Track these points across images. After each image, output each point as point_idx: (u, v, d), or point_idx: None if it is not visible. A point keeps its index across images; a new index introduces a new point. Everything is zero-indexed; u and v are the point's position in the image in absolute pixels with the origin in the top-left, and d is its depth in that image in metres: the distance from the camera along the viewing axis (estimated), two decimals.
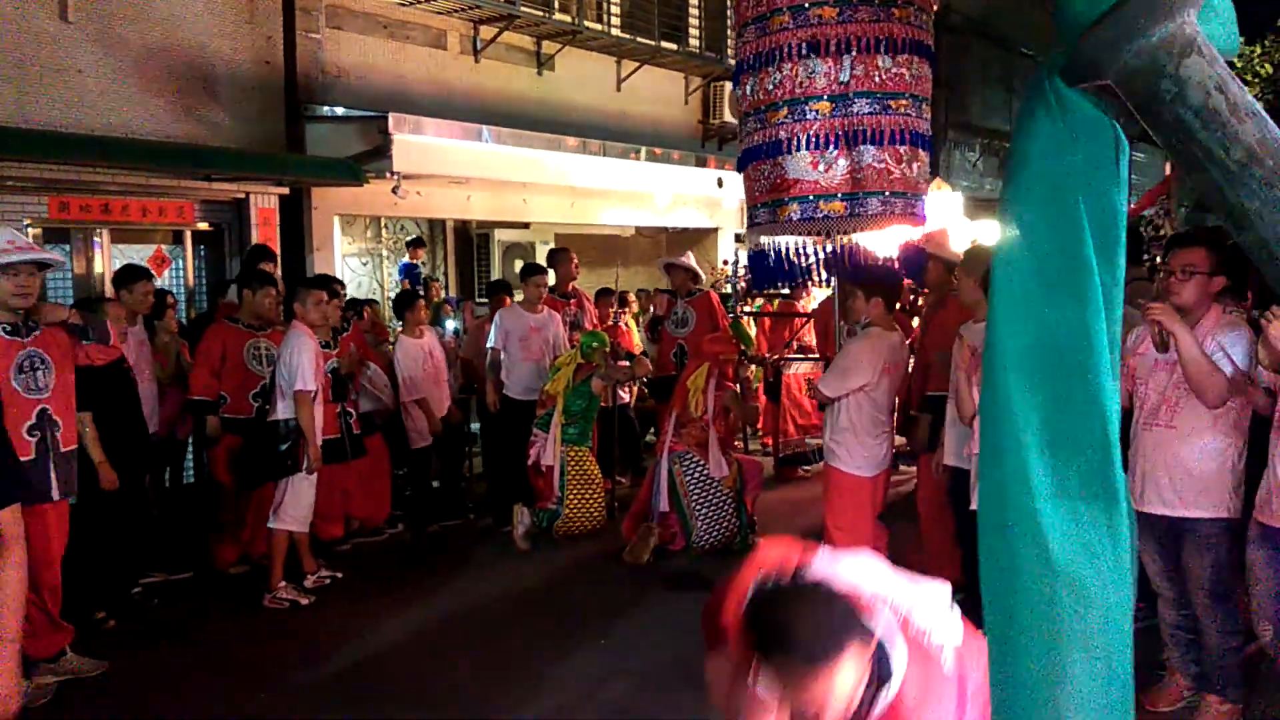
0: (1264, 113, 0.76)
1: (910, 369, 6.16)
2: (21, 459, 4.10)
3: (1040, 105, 0.96)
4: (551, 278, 8.10)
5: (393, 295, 10.47)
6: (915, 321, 7.16)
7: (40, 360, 4.34)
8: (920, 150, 4.64)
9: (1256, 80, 12.29)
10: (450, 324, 9.35)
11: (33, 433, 4.28)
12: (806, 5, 4.42)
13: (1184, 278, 3.76)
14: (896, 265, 4.97)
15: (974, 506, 4.42)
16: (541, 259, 10.73)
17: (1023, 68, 20.42)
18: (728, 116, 12.71)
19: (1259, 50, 12.22)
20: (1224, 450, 3.73)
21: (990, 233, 8.94)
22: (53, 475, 4.35)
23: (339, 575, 6.01)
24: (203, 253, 8.54)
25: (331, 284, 7.17)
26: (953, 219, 8.42)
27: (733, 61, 12.84)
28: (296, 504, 5.63)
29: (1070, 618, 1.00)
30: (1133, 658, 1.08)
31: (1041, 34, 20.87)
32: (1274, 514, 3.47)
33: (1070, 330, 0.95)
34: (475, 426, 8.63)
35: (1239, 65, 12.41)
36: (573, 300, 8.18)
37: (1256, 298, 4.82)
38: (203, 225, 8.27)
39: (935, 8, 4.74)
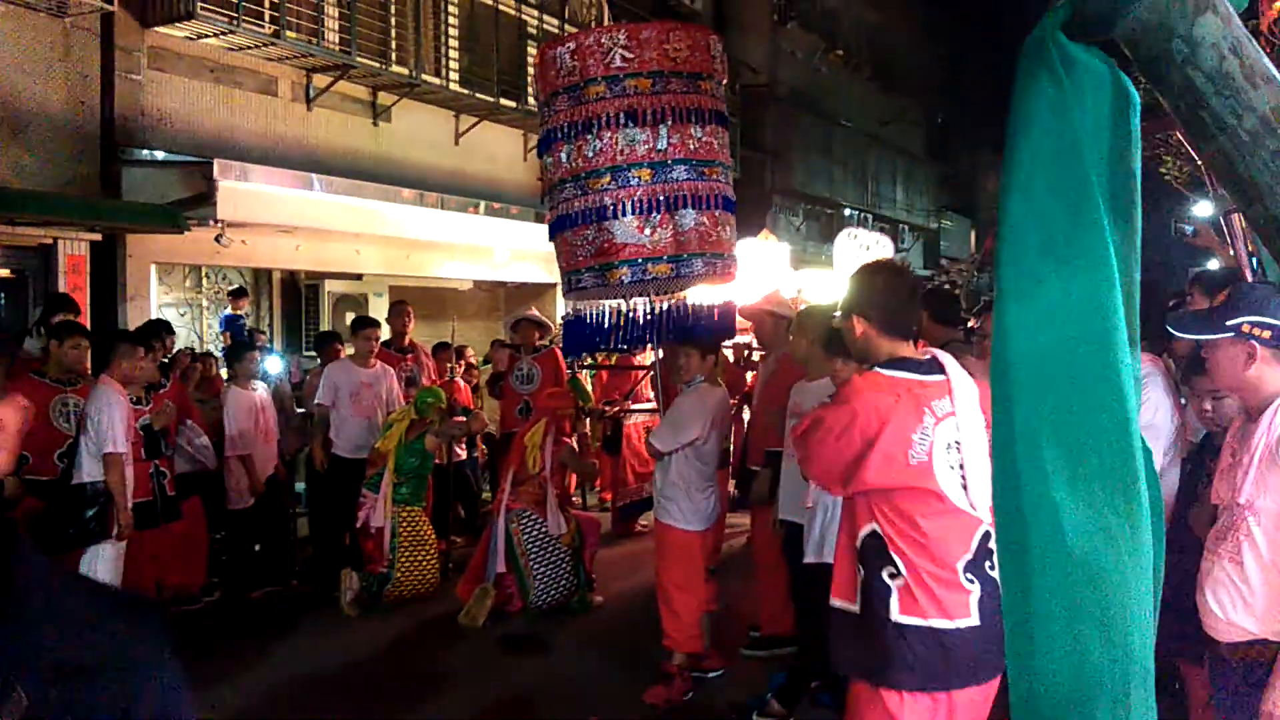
0: (1277, 79, 0.70)
1: (747, 424, 6.33)
2: None
3: (1041, 64, 0.89)
4: (386, 331, 7.91)
5: (213, 348, 10.01)
6: (750, 375, 7.37)
7: None
8: (730, 214, 4.90)
9: None
10: (275, 367, 8.99)
11: None
12: (622, 77, 4.59)
13: None
14: (717, 322, 5.16)
15: (809, 559, 4.56)
16: (374, 311, 10.50)
17: (842, 137, 21.59)
18: None
19: None
20: None
21: (815, 286, 9.35)
22: None
23: None
24: (2, 301, 7.94)
25: (160, 332, 6.81)
26: (780, 270, 8.79)
27: None
28: (104, 572, 5.21)
29: (1088, 603, 0.98)
30: (1153, 646, 1.05)
31: (859, 108, 22.18)
32: None
33: (1084, 304, 0.90)
34: (301, 486, 8.28)
35: None
36: (409, 355, 8.01)
37: None
38: (3, 272, 7.70)
39: (725, 80, 5.02)
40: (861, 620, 2.76)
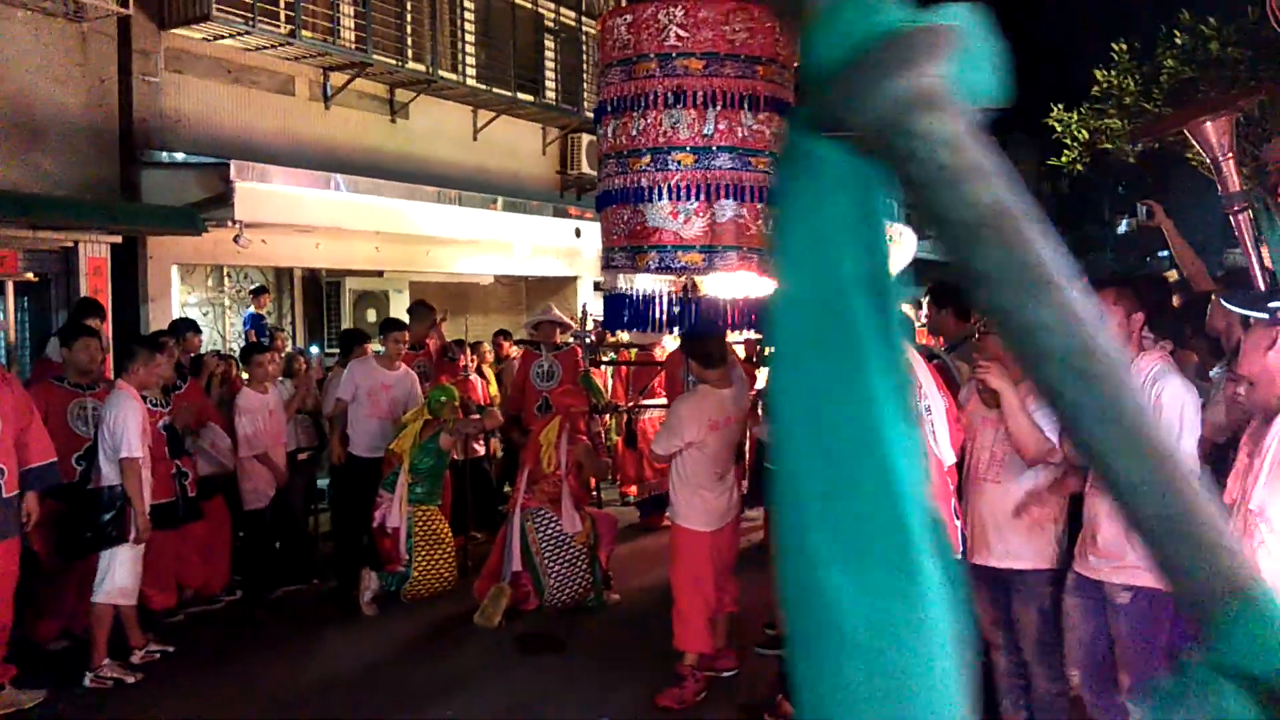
0: (999, 173, 0.74)
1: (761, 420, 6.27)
2: None
3: (792, 158, 0.91)
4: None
5: (235, 347, 10.11)
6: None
7: None
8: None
9: (1075, 144, 13.10)
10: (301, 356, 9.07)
11: None
12: (674, 55, 4.52)
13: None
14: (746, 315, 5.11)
15: None
16: (395, 308, 10.54)
17: None
18: (586, 167, 12.81)
19: (1075, 117, 13.05)
20: (1045, 503, 3.92)
21: None
22: None
23: (170, 649, 5.67)
24: (26, 305, 8.04)
25: (181, 331, 6.90)
26: None
27: (590, 114, 12.97)
28: (122, 575, 5.30)
29: (865, 691, 0.93)
30: None
31: None
32: (1089, 566, 3.66)
33: (846, 388, 0.90)
34: (324, 483, 8.34)
35: (1058, 129, 13.19)
36: (421, 351, 8.01)
37: None
38: (27, 276, 7.80)
39: (795, 64, 4.91)
40: None
